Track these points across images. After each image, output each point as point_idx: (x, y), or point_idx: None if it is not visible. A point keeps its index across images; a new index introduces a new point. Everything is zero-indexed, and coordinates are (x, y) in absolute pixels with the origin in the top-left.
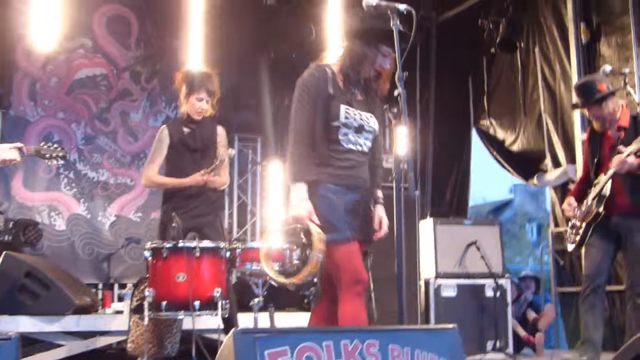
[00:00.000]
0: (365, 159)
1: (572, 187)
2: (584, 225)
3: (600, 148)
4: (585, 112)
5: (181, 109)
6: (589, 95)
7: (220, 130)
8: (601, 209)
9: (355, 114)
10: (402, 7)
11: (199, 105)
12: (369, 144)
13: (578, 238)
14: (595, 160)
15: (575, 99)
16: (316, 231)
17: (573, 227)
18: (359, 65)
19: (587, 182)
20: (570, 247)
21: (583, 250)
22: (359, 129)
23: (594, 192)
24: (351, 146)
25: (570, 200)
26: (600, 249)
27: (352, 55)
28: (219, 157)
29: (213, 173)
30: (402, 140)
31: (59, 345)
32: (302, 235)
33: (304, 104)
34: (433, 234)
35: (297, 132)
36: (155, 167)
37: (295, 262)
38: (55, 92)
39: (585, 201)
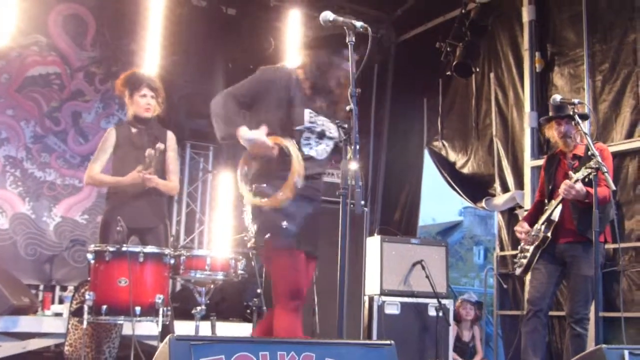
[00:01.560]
0: (323, 168)
1: (519, 212)
2: (531, 249)
3: (555, 176)
4: (552, 129)
5: (128, 113)
6: (566, 110)
7: (171, 135)
8: (549, 234)
9: (318, 120)
10: (358, 24)
11: (145, 102)
12: (329, 150)
13: (525, 262)
14: (551, 187)
15: (551, 112)
16: (295, 153)
17: (522, 250)
18: (326, 72)
19: (540, 207)
20: (518, 271)
21: (529, 274)
22: (321, 135)
23: (543, 217)
24: (312, 153)
25: (523, 223)
26: (545, 274)
27: (320, 64)
28: (159, 158)
29: (150, 170)
30: (351, 156)
31: None
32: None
33: (252, 84)
34: (380, 251)
35: (230, 92)
36: (98, 166)
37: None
38: (5, 89)
39: (535, 225)
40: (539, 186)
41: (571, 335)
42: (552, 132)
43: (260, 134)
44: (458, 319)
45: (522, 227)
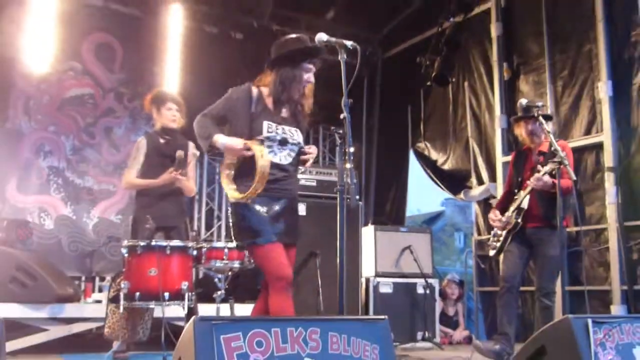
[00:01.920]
0: (291, 171)
1: (493, 201)
2: (504, 233)
3: (523, 170)
4: (520, 128)
5: (156, 125)
6: (533, 112)
7: (191, 145)
8: (519, 220)
9: (278, 129)
10: (348, 43)
11: (171, 114)
12: (293, 154)
13: (498, 244)
14: (519, 179)
15: (519, 114)
16: (258, 149)
17: (495, 235)
18: (289, 87)
19: (509, 197)
20: (492, 253)
21: (502, 255)
22: (283, 142)
23: (514, 205)
24: (276, 159)
25: (496, 212)
26: (516, 255)
27: (283, 80)
28: (185, 160)
29: (180, 171)
30: (346, 158)
31: (45, 330)
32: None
33: (223, 103)
34: (374, 238)
35: (206, 113)
36: (133, 172)
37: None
38: (47, 108)
39: (506, 213)
40: (507, 179)
41: (540, 308)
42: (521, 131)
43: (232, 139)
44: (444, 297)
45: (495, 215)
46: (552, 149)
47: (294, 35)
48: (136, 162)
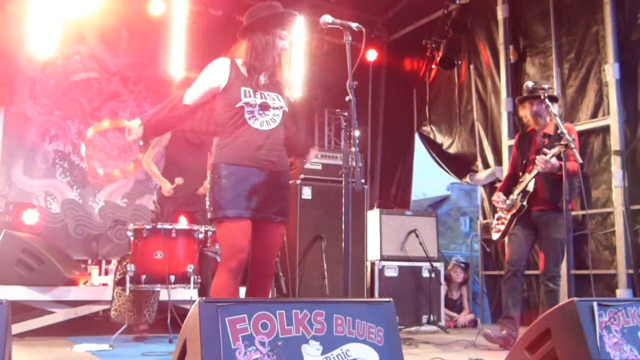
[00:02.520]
0: (276, 138)
1: (498, 185)
2: (508, 216)
3: (527, 152)
4: (525, 108)
5: None
6: (538, 92)
7: None
8: (525, 203)
9: (256, 94)
10: (354, 25)
11: None
12: (278, 120)
13: (502, 227)
14: (524, 162)
15: (525, 93)
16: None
17: (499, 218)
18: (263, 54)
19: (513, 179)
20: (495, 236)
21: (506, 238)
22: (264, 106)
23: (519, 188)
24: (257, 125)
25: (499, 193)
26: (521, 238)
27: (255, 47)
28: None
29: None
30: (351, 141)
31: (52, 312)
32: None
33: (201, 83)
34: (379, 222)
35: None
36: (152, 154)
37: None
38: (52, 92)
39: (511, 195)
40: (511, 160)
41: (545, 291)
42: (525, 112)
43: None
44: (449, 281)
45: (498, 197)
46: (559, 131)
47: (265, 3)
48: (157, 145)
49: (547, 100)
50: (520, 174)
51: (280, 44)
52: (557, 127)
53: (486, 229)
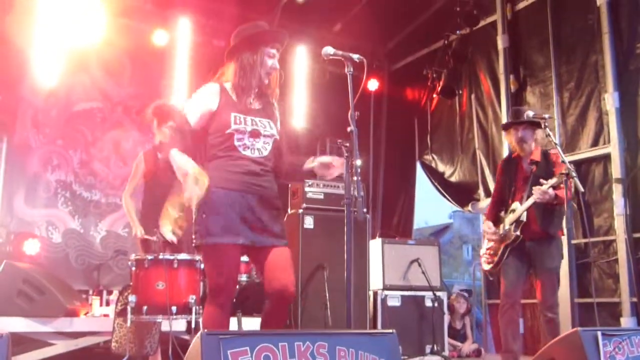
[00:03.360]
0: (265, 165)
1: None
2: (502, 247)
3: (514, 179)
4: (510, 135)
5: (155, 139)
6: (530, 118)
7: None
8: (519, 233)
9: (247, 120)
10: (355, 56)
11: (171, 132)
12: (268, 147)
13: (496, 258)
14: (512, 189)
15: (509, 119)
16: (192, 171)
17: (489, 248)
18: (251, 74)
19: (499, 206)
20: (487, 267)
21: (500, 269)
22: (255, 134)
23: (511, 217)
24: (248, 152)
25: (489, 223)
26: (515, 269)
27: (243, 67)
28: None
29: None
30: (353, 171)
31: (51, 344)
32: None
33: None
34: (381, 251)
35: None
36: (130, 189)
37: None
38: (55, 122)
39: (502, 225)
40: (496, 187)
41: (545, 321)
42: (511, 138)
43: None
44: (452, 311)
45: (489, 228)
46: (560, 160)
47: (252, 23)
48: (133, 179)
49: (547, 130)
50: (510, 201)
51: (270, 63)
52: (543, 154)
53: None
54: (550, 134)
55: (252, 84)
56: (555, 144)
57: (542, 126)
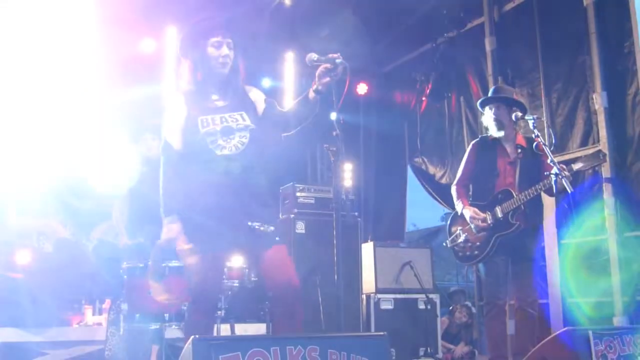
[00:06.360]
0: (245, 160)
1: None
2: (492, 237)
3: (496, 162)
4: (486, 113)
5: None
6: (504, 94)
7: None
8: (517, 222)
9: (214, 120)
10: (338, 61)
11: (146, 146)
12: (245, 140)
13: (486, 249)
14: (495, 173)
15: (490, 94)
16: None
17: (467, 241)
18: (202, 67)
19: (468, 189)
20: (468, 260)
21: (484, 266)
22: (227, 131)
23: (508, 205)
24: (225, 152)
25: (476, 210)
26: (500, 266)
27: (195, 63)
28: None
29: None
30: (341, 175)
31: (44, 354)
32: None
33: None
34: (373, 255)
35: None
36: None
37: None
38: None
39: (492, 212)
40: (465, 169)
41: (525, 317)
42: (486, 117)
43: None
44: (452, 315)
45: (477, 214)
46: (548, 160)
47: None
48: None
49: (536, 131)
50: (492, 187)
51: (217, 53)
52: (529, 141)
53: None
54: (539, 134)
55: (208, 80)
56: (545, 144)
57: (531, 126)
